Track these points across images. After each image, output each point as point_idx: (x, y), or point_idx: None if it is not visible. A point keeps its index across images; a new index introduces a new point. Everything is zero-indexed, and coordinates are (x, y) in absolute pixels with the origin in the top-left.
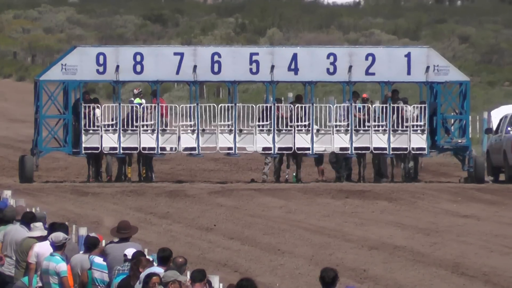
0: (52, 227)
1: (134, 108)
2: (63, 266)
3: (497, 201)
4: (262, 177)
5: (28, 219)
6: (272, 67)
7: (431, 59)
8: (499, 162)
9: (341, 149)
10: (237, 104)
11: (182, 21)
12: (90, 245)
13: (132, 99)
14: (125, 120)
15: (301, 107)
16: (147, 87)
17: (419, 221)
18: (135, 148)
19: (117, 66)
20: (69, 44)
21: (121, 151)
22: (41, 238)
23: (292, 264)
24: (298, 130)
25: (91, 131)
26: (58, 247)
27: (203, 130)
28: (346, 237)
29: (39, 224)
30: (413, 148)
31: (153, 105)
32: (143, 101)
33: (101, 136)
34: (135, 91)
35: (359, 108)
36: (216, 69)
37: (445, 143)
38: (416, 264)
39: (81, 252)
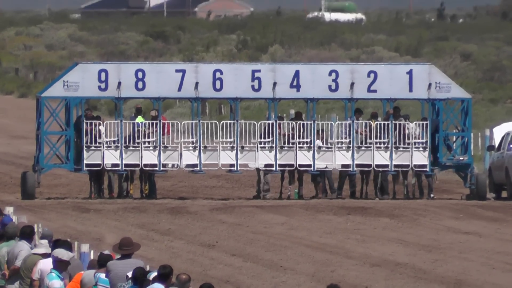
0: (56, 244)
1: (136, 125)
2: (56, 283)
3: (499, 218)
4: (265, 196)
5: (26, 234)
6: (274, 84)
7: (433, 76)
8: (501, 179)
9: (343, 166)
10: (239, 121)
11: (184, 38)
12: (104, 262)
13: (134, 115)
14: (127, 137)
15: (303, 124)
16: (148, 104)
17: (421, 238)
18: (137, 165)
19: (119, 83)
20: (71, 61)
21: (123, 168)
22: (46, 255)
23: (294, 281)
24: (299, 147)
25: (93, 148)
26: (59, 264)
27: (205, 147)
28: (348, 254)
29: (44, 241)
30: (415, 165)
31: (154, 122)
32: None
33: (103, 153)
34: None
35: (361, 125)
36: (218, 86)
37: (447, 160)
38: (418, 281)
39: (86, 268)
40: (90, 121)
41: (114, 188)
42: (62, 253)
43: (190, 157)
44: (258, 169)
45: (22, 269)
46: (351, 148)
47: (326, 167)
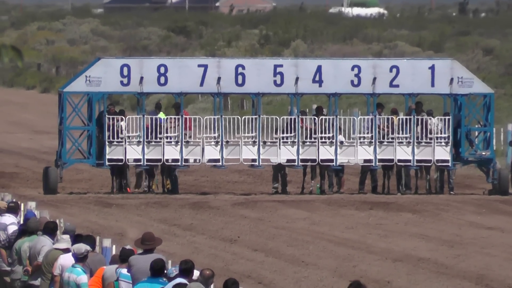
0: (77, 239)
1: (158, 120)
2: (83, 278)
3: None
4: (272, 190)
5: (49, 230)
6: (297, 79)
7: (455, 71)
8: None
9: (365, 161)
10: (261, 116)
11: (206, 32)
12: (125, 257)
13: (156, 110)
14: (148, 131)
15: (325, 119)
16: (171, 99)
17: (443, 233)
18: (159, 160)
19: (141, 78)
20: (93, 56)
21: (145, 163)
22: (67, 250)
23: (316, 276)
24: (322, 142)
25: (115, 143)
26: (80, 258)
27: (227, 142)
28: (370, 249)
29: (66, 237)
30: (437, 160)
31: (176, 117)
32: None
33: (125, 148)
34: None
35: (383, 120)
36: (240, 81)
37: (469, 155)
38: (440, 276)
39: (108, 263)
40: (112, 116)
41: (129, 183)
42: (80, 247)
43: (212, 152)
44: (274, 166)
45: (44, 264)
46: (373, 143)
47: (348, 162)
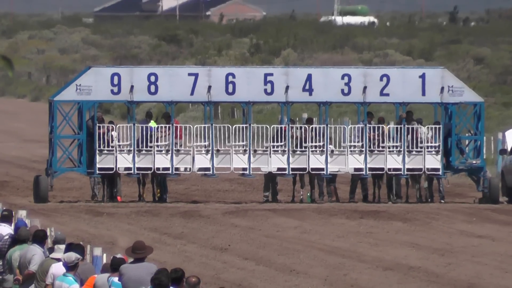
0: (68, 248)
1: (148, 129)
2: (75, 287)
3: None
4: (263, 199)
5: (39, 238)
6: (287, 87)
7: (446, 80)
8: None
9: (356, 169)
10: (251, 125)
11: (196, 41)
12: (117, 266)
13: (146, 119)
14: (139, 140)
15: (314, 128)
16: (161, 107)
17: (433, 241)
18: (150, 169)
19: (132, 87)
20: (84, 65)
21: (136, 172)
22: (59, 259)
23: (306, 285)
24: (312, 151)
25: (105, 152)
26: (70, 267)
27: (218, 150)
28: (361, 258)
29: (63, 246)
30: (427, 169)
31: (167, 126)
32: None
33: (116, 157)
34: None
35: (373, 129)
36: (230, 90)
37: (460, 164)
38: (431, 285)
39: (99, 272)
40: (103, 124)
41: (120, 192)
42: (70, 256)
43: (202, 161)
44: (265, 176)
45: (39, 272)
46: (363, 152)
47: (339, 171)
